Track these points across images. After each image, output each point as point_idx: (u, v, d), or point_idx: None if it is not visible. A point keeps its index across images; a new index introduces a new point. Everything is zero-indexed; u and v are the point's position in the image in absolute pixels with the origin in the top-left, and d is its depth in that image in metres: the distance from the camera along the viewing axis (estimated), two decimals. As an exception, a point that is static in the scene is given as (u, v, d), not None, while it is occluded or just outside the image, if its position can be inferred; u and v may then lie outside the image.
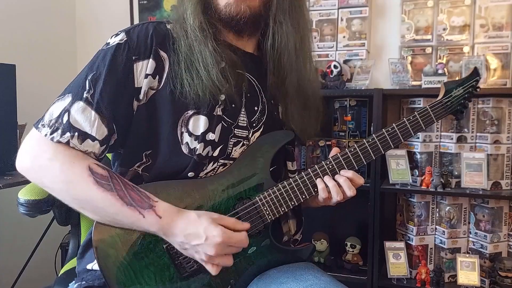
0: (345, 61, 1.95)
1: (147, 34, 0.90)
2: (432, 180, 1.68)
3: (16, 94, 1.76)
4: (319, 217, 1.84)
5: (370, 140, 0.98)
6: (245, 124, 0.96)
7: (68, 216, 1.30)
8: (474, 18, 1.80)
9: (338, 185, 0.95)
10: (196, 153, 0.90)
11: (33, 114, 0.92)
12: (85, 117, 0.84)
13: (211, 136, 0.91)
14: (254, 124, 0.98)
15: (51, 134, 0.83)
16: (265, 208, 0.93)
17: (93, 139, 0.85)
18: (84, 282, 0.94)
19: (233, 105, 0.94)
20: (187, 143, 0.91)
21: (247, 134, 0.97)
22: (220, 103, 0.92)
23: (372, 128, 1.78)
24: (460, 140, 1.73)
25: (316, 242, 1.88)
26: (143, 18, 2.34)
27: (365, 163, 0.98)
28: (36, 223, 1.63)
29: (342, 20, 1.96)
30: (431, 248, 1.79)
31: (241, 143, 0.96)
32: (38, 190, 1.18)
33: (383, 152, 0.98)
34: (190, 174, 0.92)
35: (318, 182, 0.95)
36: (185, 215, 0.84)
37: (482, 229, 1.72)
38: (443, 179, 1.68)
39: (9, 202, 1.68)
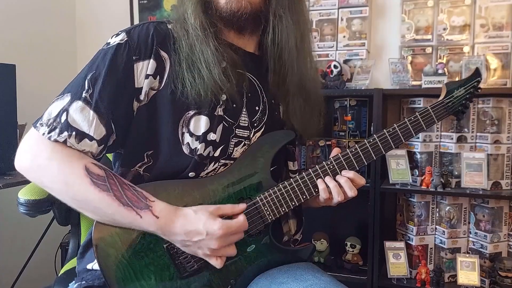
0: (345, 61, 1.95)
1: (147, 34, 0.90)
2: (432, 180, 1.68)
3: (16, 94, 1.76)
4: (319, 217, 1.84)
5: (371, 140, 0.98)
6: (246, 124, 0.96)
7: (68, 216, 1.29)
8: (474, 18, 1.80)
9: (339, 186, 0.94)
10: (197, 153, 0.90)
11: (33, 114, 0.92)
12: (83, 117, 0.84)
13: (212, 136, 0.91)
14: (255, 124, 0.98)
15: (48, 133, 0.83)
16: (265, 208, 0.93)
17: (91, 138, 0.85)
18: (84, 282, 0.94)
19: (234, 105, 0.94)
20: (188, 143, 0.91)
21: (248, 134, 0.97)
22: (221, 103, 0.92)
23: (372, 128, 1.78)
24: (460, 140, 1.73)
25: (316, 242, 1.88)
26: (143, 18, 2.34)
27: (366, 164, 0.97)
28: (36, 223, 1.64)
29: (342, 20, 1.96)
30: (431, 248, 1.79)
31: (242, 143, 0.96)
32: (38, 190, 1.18)
33: (384, 153, 0.98)
34: (191, 174, 0.92)
35: (319, 182, 0.95)
36: (182, 213, 0.84)
37: (482, 229, 1.72)
38: (443, 179, 1.68)
39: (9, 202, 1.68)
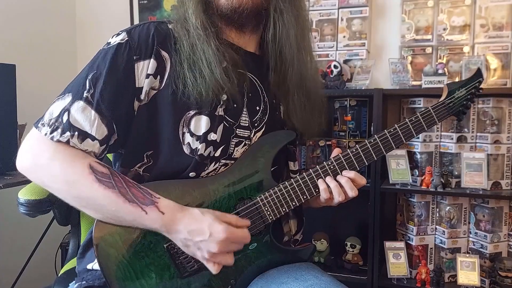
0: (345, 61, 1.95)
1: (148, 34, 0.90)
2: (432, 180, 1.68)
3: (16, 94, 1.76)
4: (319, 217, 1.84)
5: (372, 140, 0.98)
6: (247, 124, 0.96)
7: (68, 216, 1.29)
8: (474, 18, 1.80)
9: (340, 186, 0.94)
10: (198, 153, 0.90)
11: (33, 114, 0.92)
12: (85, 117, 0.84)
13: (212, 136, 0.91)
14: (256, 124, 0.98)
15: (51, 133, 0.83)
16: (266, 208, 0.93)
17: (93, 138, 0.85)
18: (84, 282, 0.94)
19: (235, 105, 0.94)
20: (188, 143, 0.90)
21: (249, 134, 0.97)
22: (222, 103, 0.92)
23: (372, 128, 1.78)
24: (460, 140, 1.74)
25: (316, 242, 1.88)
26: (143, 18, 2.34)
27: (366, 164, 0.97)
28: (36, 223, 1.63)
29: (342, 20, 1.96)
30: (431, 248, 1.79)
31: (243, 143, 0.96)
32: (38, 190, 1.18)
33: (385, 153, 0.98)
34: (192, 174, 0.92)
35: (320, 182, 0.95)
36: (188, 211, 0.84)
37: (482, 229, 1.72)
38: (443, 179, 1.68)
39: (9, 202, 1.68)
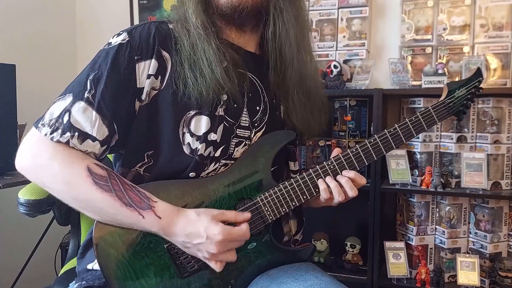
0: (345, 61, 1.95)
1: (149, 34, 0.90)
2: (432, 180, 1.68)
3: (16, 94, 1.76)
4: (319, 217, 1.84)
5: (372, 140, 0.98)
6: (247, 124, 0.96)
7: (68, 216, 1.29)
8: (474, 18, 1.80)
9: (340, 186, 0.94)
10: (198, 154, 0.90)
11: (33, 114, 0.92)
12: (86, 117, 0.84)
13: (213, 136, 0.91)
14: (256, 124, 0.98)
15: (51, 133, 0.83)
16: (266, 209, 0.93)
17: (94, 139, 0.85)
18: (84, 282, 0.94)
19: (235, 105, 0.94)
20: (188, 143, 0.90)
21: (249, 134, 0.97)
22: (222, 103, 0.92)
23: (372, 128, 1.78)
24: (460, 140, 1.74)
25: (316, 242, 1.88)
26: (143, 18, 2.34)
27: (366, 164, 0.97)
28: (36, 223, 1.63)
29: (342, 20, 1.96)
30: (431, 248, 1.79)
31: (243, 143, 0.96)
32: (38, 190, 1.18)
33: (385, 153, 0.98)
34: (192, 174, 0.92)
35: (320, 182, 0.95)
36: (184, 214, 0.84)
37: (482, 229, 1.72)
38: (443, 179, 1.68)
39: (9, 202, 1.68)
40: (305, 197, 0.95)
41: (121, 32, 0.91)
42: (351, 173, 0.95)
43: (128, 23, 2.34)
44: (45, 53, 2.26)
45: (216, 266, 0.85)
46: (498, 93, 1.69)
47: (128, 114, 0.89)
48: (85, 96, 0.85)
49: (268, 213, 0.93)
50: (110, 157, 1.07)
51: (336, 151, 0.99)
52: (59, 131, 0.83)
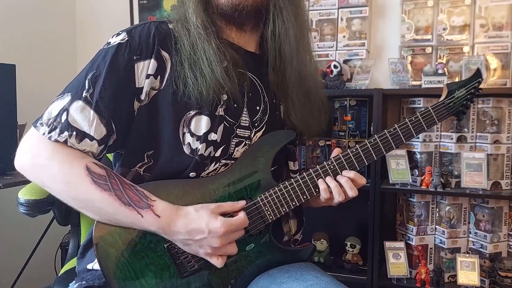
0: (345, 61, 1.95)
1: (149, 34, 0.90)
2: (432, 180, 1.68)
3: (16, 94, 1.76)
4: (319, 217, 1.84)
5: (372, 140, 0.98)
6: (247, 124, 0.96)
7: (68, 216, 1.29)
8: (474, 18, 1.80)
9: (340, 186, 0.95)
10: (198, 154, 0.90)
11: (33, 114, 0.92)
12: (83, 117, 0.84)
13: (213, 136, 0.91)
14: (256, 124, 0.98)
15: (49, 133, 0.83)
16: (266, 208, 0.93)
17: (91, 138, 0.85)
18: (84, 282, 0.94)
19: (235, 105, 0.94)
20: (189, 143, 0.91)
21: (249, 134, 0.97)
22: (222, 103, 0.92)
23: (372, 128, 1.78)
24: (460, 140, 1.74)
25: (316, 242, 1.88)
26: (143, 18, 2.34)
27: (366, 164, 0.98)
28: (36, 223, 1.63)
29: (342, 20, 1.96)
30: (431, 248, 1.79)
31: (243, 143, 0.96)
32: (38, 190, 1.18)
33: (384, 153, 0.98)
34: (192, 174, 0.92)
35: (320, 182, 0.95)
36: (183, 212, 0.85)
37: (482, 229, 1.72)
38: (443, 179, 1.68)
39: (9, 202, 1.68)
40: (305, 197, 0.95)
41: (120, 32, 0.91)
42: (351, 173, 0.95)
43: (128, 23, 2.34)
44: (45, 53, 2.26)
45: (218, 262, 0.85)
46: (498, 93, 1.69)
47: (127, 114, 0.89)
48: (83, 96, 0.85)
49: (268, 213, 0.93)
50: (110, 157, 1.07)
51: (336, 151, 0.99)
52: (57, 130, 0.83)
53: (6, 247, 2.00)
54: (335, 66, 1.86)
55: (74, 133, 0.83)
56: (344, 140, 1.88)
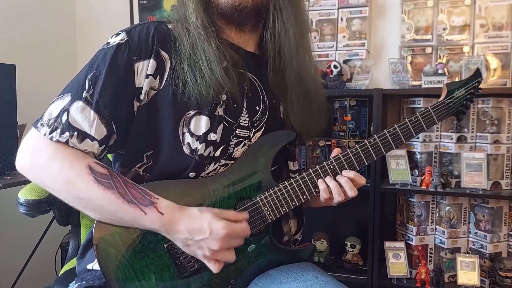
0: (345, 61, 1.95)
1: (148, 34, 0.90)
2: (432, 180, 1.68)
3: (16, 94, 1.76)
4: (319, 217, 1.84)
5: (372, 140, 0.98)
6: (247, 124, 0.96)
7: (68, 216, 1.30)
8: (474, 18, 1.80)
9: (339, 186, 0.95)
10: (198, 154, 0.90)
11: (33, 114, 0.92)
12: (84, 117, 0.84)
13: (212, 136, 0.91)
14: (255, 124, 0.98)
15: (50, 133, 0.83)
16: (266, 208, 0.93)
17: (92, 139, 0.85)
18: (84, 282, 0.94)
19: (235, 105, 0.94)
20: (188, 143, 0.91)
21: (249, 134, 0.97)
22: (221, 103, 0.92)
23: (372, 128, 1.78)
24: (460, 140, 1.74)
25: (316, 242, 1.88)
26: (143, 18, 2.34)
27: (366, 164, 0.98)
28: (36, 223, 1.63)
29: (342, 20, 1.96)
30: (431, 248, 1.79)
31: (243, 143, 0.96)
32: (38, 190, 1.18)
33: (384, 153, 0.98)
34: (192, 174, 0.92)
35: (320, 182, 0.95)
36: (187, 211, 0.85)
37: (482, 229, 1.72)
38: (443, 179, 1.68)
39: (9, 202, 1.68)
40: (305, 197, 0.95)
41: (119, 32, 0.91)
42: (351, 173, 0.95)
43: (128, 23, 2.34)
44: (45, 53, 2.26)
45: (215, 267, 0.84)
46: (498, 93, 1.69)
47: (127, 114, 0.89)
48: (83, 96, 0.85)
49: (268, 213, 0.93)
50: (110, 157, 1.07)
51: (335, 151, 0.99)
52: (58, 130, 0.83)
53: (6, 247, 2.00)
54: (335, 66, 1.86)
55: (75, 133, 0.84)
56: (344, 140, 1.88)
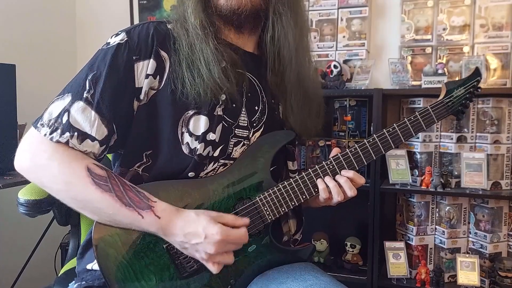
0: (345, 61, 1.95)
1: (147, 34, 0.90)
2: (432, 180, 1.68)
3: (16, 94, 1.76)
4: (319, 217, 1.84)
5: (371, 140, 0.98)
6: (246, 124, 0.96)
7: (68, 216, 1.29)
8: (474, 18, 1.80)
9: (338, 186, 0.94)
10: (197, 153, 0.90)
11: (33, 114, 0.92)
12: (85, 117, 0.84)
13: (211, 136, 0.91)
14: (254, 124, 0.98)
15: (50, 133, 0.83)
16: (265, 208, 0.93)
17: (93, 139, 0.85)
18: (84, 282, 0.94)
19: (234, 105, 0.94)
20: (187, 143, 0.91)
21: (248, 134, 0.97)
22: (220, 103, 0.92)
23: (372, 128, 1.78)
24: (460, 140, 1.74)
25: (316, 242, 1.88)
26: (143, 18, 2.34)
27: (365, 163, 0.97)
28: (36, 223, 1.63)
29: (342, 20, 1.96)
30: (431, 248, 1.79)
31: (242, 143, 0.96)
32: (38, 190, 1.18)
33: (384, 152, 0.98)
34: (191, 174, 0.92)
35: (319, 182, 0.95)
36: (184, 214, 0.84)
37: (482, 229, 1.72)
38: (443, 179, 1.68)
39: (9, 202, 1.68)
40: (304, 197, 0.95)
41: (119, 32, 0.91)
42: (350, 173, 0.95)
43: (128, 23, 2.35)
44: (45, 53, 2.26)
45: (213, 268, 0.84)
46: (498, 93, 1.69)
47: (127, 113, 0.89)
48: (84, 96, 0.85)
49: (268, 213, 0.93)
50: (110, 157, 1.07)
51: (335, 151, 0.99)
52: (59, 131, 0.83)
53: (6, 247, 2.00)
54: (335, 66, 1.86)
55: (76, 133, 0.84)
56: (344, 140, 1.88)
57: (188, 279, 0.90)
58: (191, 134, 0.90)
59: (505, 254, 1.73)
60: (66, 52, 2.42)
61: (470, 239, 1.77)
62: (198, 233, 0.82)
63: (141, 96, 0.89)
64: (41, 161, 0.83)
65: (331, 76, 1.86)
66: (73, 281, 0.98)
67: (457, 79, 1.76)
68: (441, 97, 1.03)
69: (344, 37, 1.96)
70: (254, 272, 0.96)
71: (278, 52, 0.98)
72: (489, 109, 1.70)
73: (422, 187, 1.72)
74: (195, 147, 0.90)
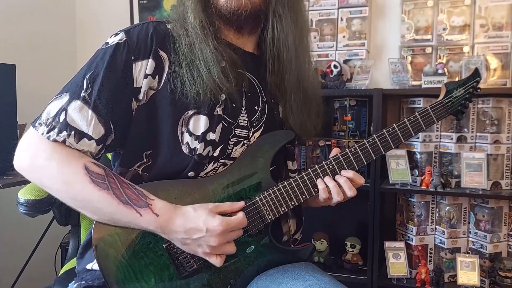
0: (345, 61, 1.95)
1: (147, 34, 0.90)
2: (432, 180, 1.68)
3: (16, 94, 1.77)
4: (319, 217, 1.84)
5: (371, 140, 0.98)
6: (246, 124, 0.96)
7: (68, 216, 1.30)
8: (474, 18, 1.80)
9: (338, 186, 0.95)
10: (197, 153, 0.90)
11: (33, 114, 0.92)
12: (82, 116, 0.84)
13: (211, 136, 0.91)
14: (254, 124, 0.98)
15: (47, 133, 0.83)
16: (265, 208, 0.93)
17: (90, 138, 0.85)
18: (83, 282, 0.94)
19: (234, 105, 0.94)
20: (187, 143, 0.91)
21: (248, 133, 0.97)
22: (220, 102, 0.92)
23: (372, 128, 1.78)
24: (460, 140, 1.74)
25: (316, 242, 1.88)
26: (143, 18, 2.34)
27: (365, 163, 0.97)
28: (36, 223, 1.64)
29: (342, 20, 1.96)
30: (431, 248, 1.79)
31: (242, 142, 0.96)
32: (38, 190, 1.18)
33: (383, 152, 0.98)
34: (191, 174, 0.92)
35: (319, 182, 0.95)
36: (182, 211, 0.85)
37: (482, 229, 1.72)
38: (443, 179, 1.68)
39: (9, 202, 1.68)
40: (304, 196, 0.95)
41: (118, 32, 0.91)
42: (350, 173, 0.95)
43: (128, 23, 2.35)
44: (45, 53, 2.26)
45: (217, 261, 0.85)
46: (498, 93, 1.69)
47: (125, 113, 0.89)
48: (81, 95, 0.85)
49: (267, 212, 0.93)
50: (109, 156, 1.07)
51: (334, 151, 0.99)
52: (56, 130, 0.83)
53: (6, 247, 2.00)
54: (335, 66, 1.86)
55: (73, 132, 0.84)
56: (344, 140, 1.88)
57: (188, 279, 0.90)
58: (191, 134, 0.90)
59: (505, 254, 1.73)
60: (66, 52, 2.42)
61: (470, 239, 1.77)
62: (199, 227, 0.82)
63: (140, 96, 0.89)
64: (40, 161, 0.83)
65: (331, 76, 1.86)
66: (73, 281, 0.98)
67: (457, 79, 1.77)
68: (440, 97, 1.03)
69: (344, 37, 1.96)
70: (254, 272, 0.96)
71: (278, 54, 0.98)
72: (489, 109, 1.70)
73: (422, 187, 1.72)
74: (195, 147, 0.90)
